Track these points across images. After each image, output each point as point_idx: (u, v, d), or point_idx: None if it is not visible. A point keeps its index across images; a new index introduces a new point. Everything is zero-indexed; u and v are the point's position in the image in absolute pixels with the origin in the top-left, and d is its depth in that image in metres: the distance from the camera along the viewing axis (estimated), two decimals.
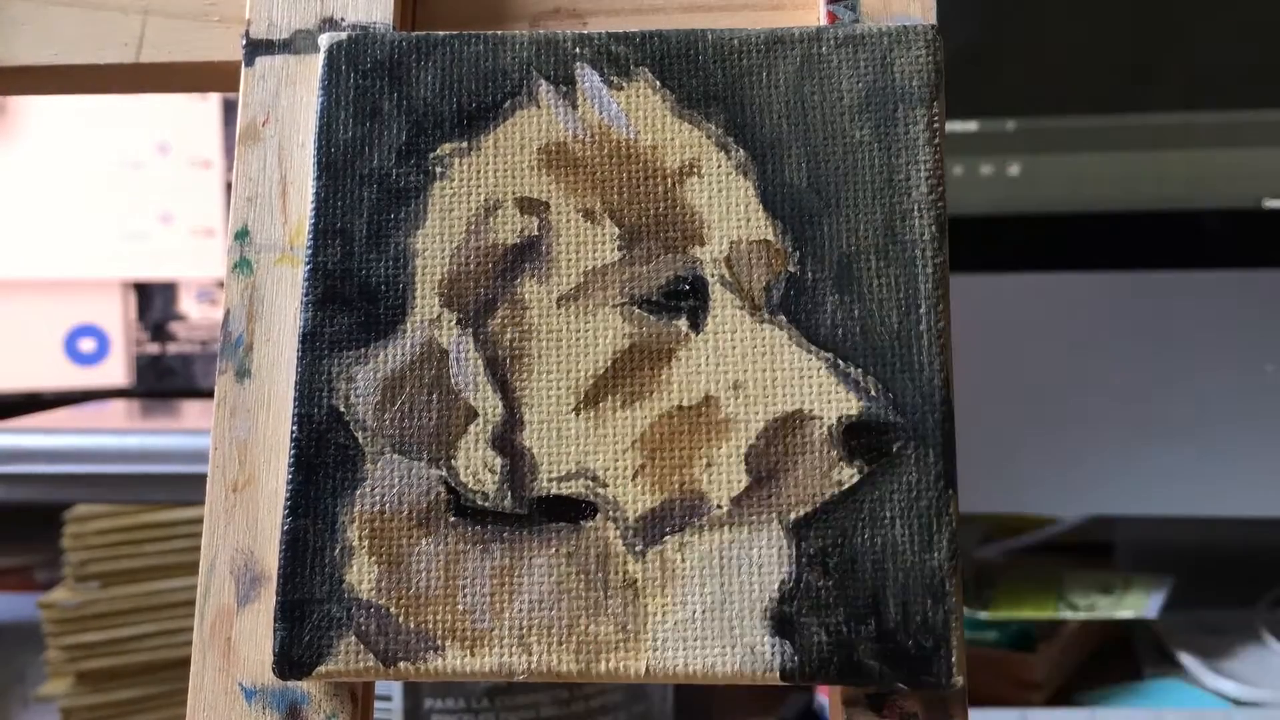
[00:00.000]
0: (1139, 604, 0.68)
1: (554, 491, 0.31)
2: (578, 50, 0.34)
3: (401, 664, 0.31)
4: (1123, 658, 0.70)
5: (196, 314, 1.00)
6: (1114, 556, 0.79)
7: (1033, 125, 0.76)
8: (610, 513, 0.31)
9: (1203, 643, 0.68)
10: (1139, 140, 0.75)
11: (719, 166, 0.33)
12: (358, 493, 0.32)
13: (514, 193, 0.33)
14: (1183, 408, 0.72)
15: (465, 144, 0.34)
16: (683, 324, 0.32)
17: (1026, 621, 0.68)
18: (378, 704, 0.51)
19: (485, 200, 0.33)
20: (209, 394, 0.98)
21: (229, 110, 0.98)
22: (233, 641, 0.32)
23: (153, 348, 1.00)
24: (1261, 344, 0.72)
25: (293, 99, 0.35)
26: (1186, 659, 0.67)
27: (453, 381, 0.32)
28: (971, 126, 0.77)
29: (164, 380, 1.00)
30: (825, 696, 0.63)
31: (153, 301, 1.00)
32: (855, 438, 0.31)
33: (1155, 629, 0.70)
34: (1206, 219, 0.73)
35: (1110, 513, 0.78)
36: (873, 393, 0.31)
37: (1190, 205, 0.74)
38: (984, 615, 0.68)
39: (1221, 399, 0.72)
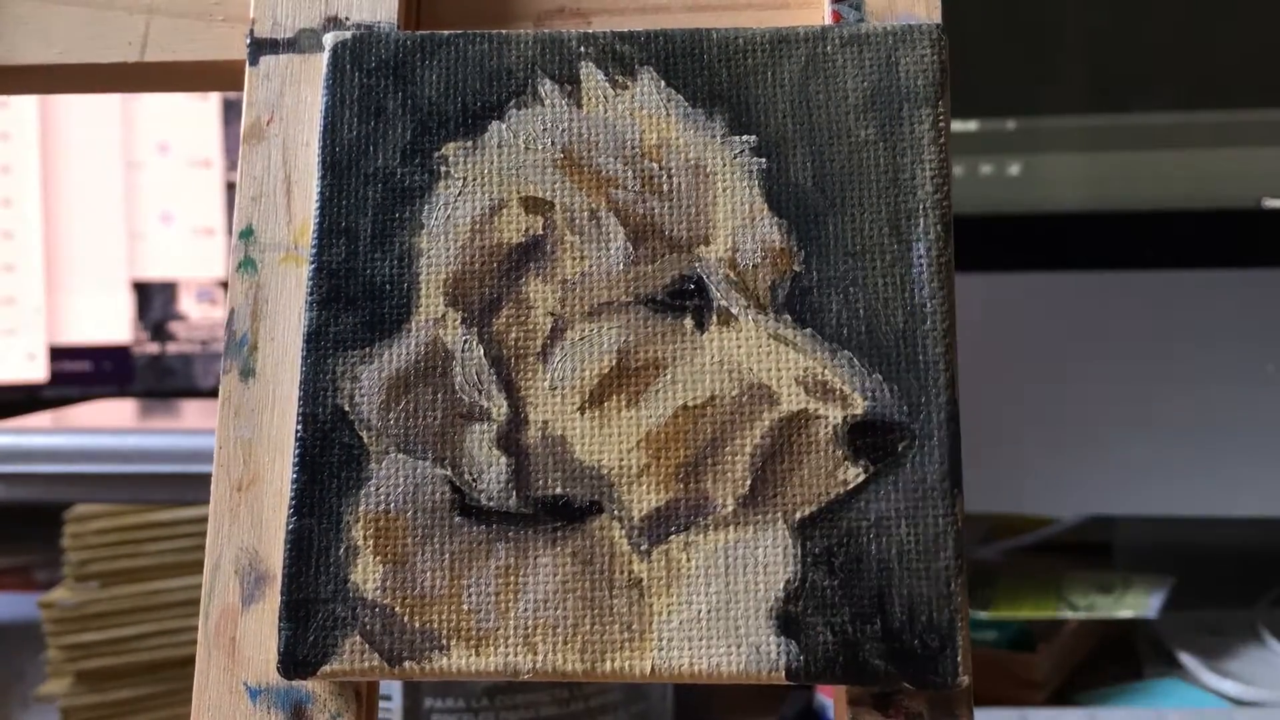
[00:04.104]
0: (1139, 604, 0.68)
1: (559, 491, 0.31)
2: (582, 49, 0.34)
3: (406, 663, 0.31)
4: (1123, 658, 0.70)
5: (196, 314, 1.00)
6: (1114, 556, 0.79)
7: (1033, 125, 0.76)
8: (615, 512, 0.31)
9: (1203, 643, 0.68)
10: (1139, 140, 0.75)
11: (724, 166, 0.33)
12: (362, 492, 0.32)
13: (518, 192, 0.33)
14: (1183, 408, 0.72)
15: (470, 143, 0.34)
16: (688, 323, 0.32)
17: (1026, 621, 0.68)
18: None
19: (490, 199, 0.33)
20: (209, 394, 0.98)
21: (229, 110, 0.98)
22: (237, 641, 0.32)
23: (153, 348, 1.00)
24: (1261, 344, 0.72)
25: (297, 98, 0.35)
26: (1186, 659, 0.67)
27: (457, 381, 0.32)
28: (971, 126, 0.77)
29: (164, 380, 1.00)
30: (827, 696, 0.63)
31: (153, 301, 1.00)
32: (860, 437, 0.31)
33: (1155, 629, 0.70)
34: (1206, 219, 0.73)
35: (1110, 513, 0.78)
36: (878, 392, 0.31)
37: (1190, 205, 0.74)
38: (984, 615, 0.68)
39: (1221, 399, 0.72)
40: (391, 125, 0.34)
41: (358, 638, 0.31)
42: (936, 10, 0.35)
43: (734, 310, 0.32)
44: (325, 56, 0.34)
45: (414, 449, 0.32)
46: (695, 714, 0.64)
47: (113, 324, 1.00)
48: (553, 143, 0.33)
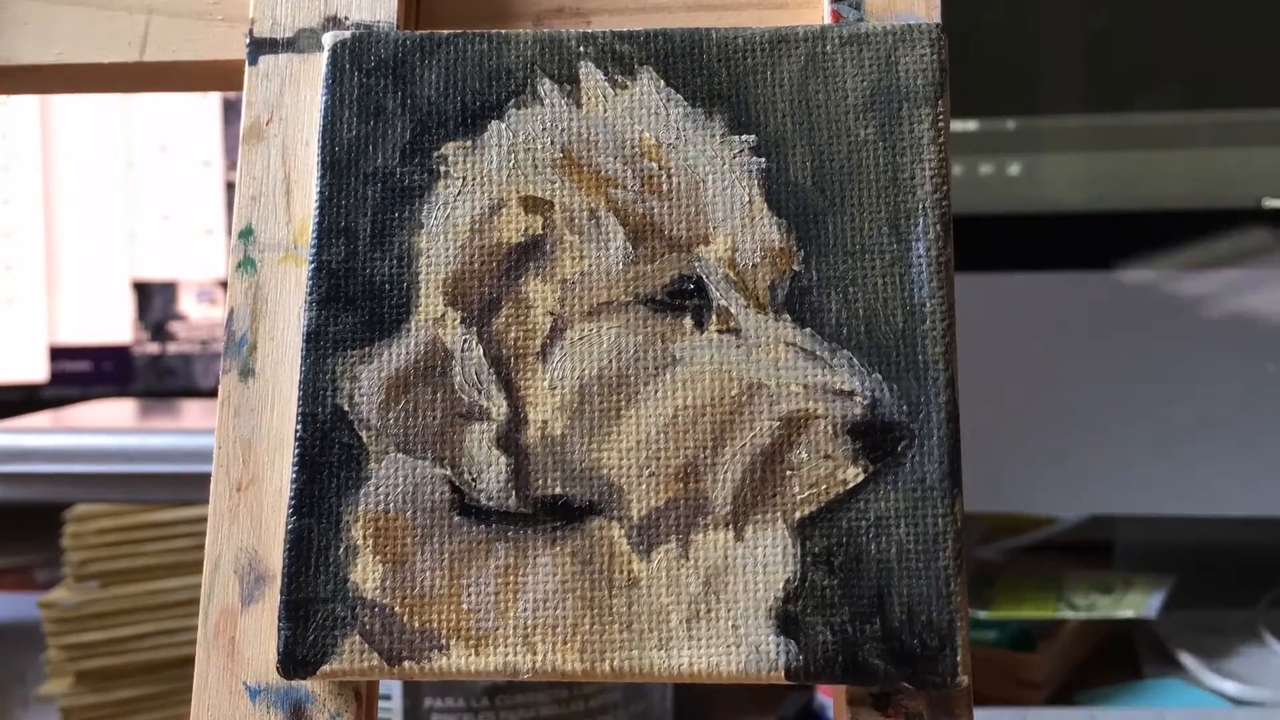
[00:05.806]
0: (1139, 604, 0.68)
1: (558, 491, 0.31)
2: (581, 49, 0.34)
3: (406, 663, 0.31)
4: (1123, 658, 0.70)
5: (196, 314, 1.00)
6: (1114, 556, 0.79)
7: (1033, 125, 0.76)
8: (614, 512, 0.31)
9: (1203, 643, 0.68)
10: (1139, 140, 0.75)
11: (723, 165, 0.33)
12: (362, 492, 0.32)
13: (518, 192, 0.33)
14: (1183, 408, 0.72)
15: (469, 143, 0.34)
16: (687, 323, 0.32)
17: (1026, 621, 0.68)
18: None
19: (489, 199, 0.33)
20: (209, 394, 0.98)
21: (229, 110, 0.98)
22: (237, 641, 0.32)
23: (153, 348, 1.00)
24: (1262, 343, 0.72)
25: (296, 98, 0.35)
26: (1186, 659, 0.67)
27: (457, 381, 0.32)
28: (971, 126, 0.77)
29: (164, 380, 1.00)
30: (826, 696, 0.63)
31: (153, 301, 1.00)
32: (860, 437, 0.31)
33: (1155, 629, 0.70)
34: (1206, 219, 0.73)
35: (1110, 513, 0.78)
36: (878, 392, 0.31)
37: (1190, 205, 0.74)
38: (984, 615, 0.68)
39: (1222, 399, 0.72)
40: (391, 125, 0.34)
41: (357, 637, 0.31)
42: (936, 10, 0.35)
43: (733, 310, 0.32)
44: (325, 56, 0.34)
45: (413, 449, 0.32)
46: (695, 714, 0.64)
47: (113, 324, 1.00)
48: (552, 142, 0.33)
